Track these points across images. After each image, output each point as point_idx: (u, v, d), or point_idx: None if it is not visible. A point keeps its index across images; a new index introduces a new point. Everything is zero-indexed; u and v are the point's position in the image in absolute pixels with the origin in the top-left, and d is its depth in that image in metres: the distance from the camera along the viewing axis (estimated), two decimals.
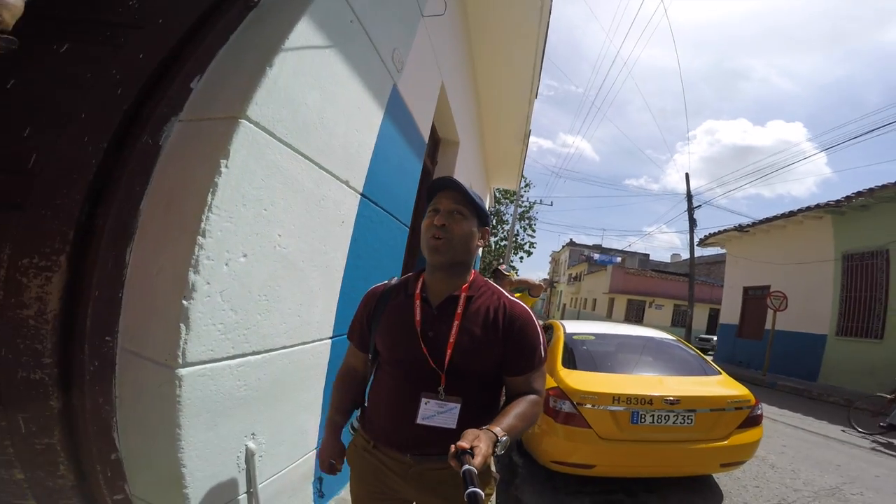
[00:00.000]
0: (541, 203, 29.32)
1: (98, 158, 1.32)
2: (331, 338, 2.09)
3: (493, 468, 1.26)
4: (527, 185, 26.66)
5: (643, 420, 3.07)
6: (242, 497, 1.53)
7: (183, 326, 1.20)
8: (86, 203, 1.28)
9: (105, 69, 1.37)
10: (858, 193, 9.22)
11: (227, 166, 1.26)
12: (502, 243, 27.59)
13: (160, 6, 1.51)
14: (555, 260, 55.94)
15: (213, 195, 1.23)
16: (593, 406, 3.06)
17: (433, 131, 4.22)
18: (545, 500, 3.24)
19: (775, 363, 11.03)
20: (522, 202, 26.47)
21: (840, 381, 9.55)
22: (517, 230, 27.74)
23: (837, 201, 9.72)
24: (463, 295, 1.22)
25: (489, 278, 3.11)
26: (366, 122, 2.18)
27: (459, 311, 1.20)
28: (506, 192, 22.85)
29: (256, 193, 1.40)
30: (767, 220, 12.19)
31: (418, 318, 1.22)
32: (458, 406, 1.17)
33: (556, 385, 3.30)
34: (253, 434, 1.53)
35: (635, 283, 28.91)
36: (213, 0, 1.56)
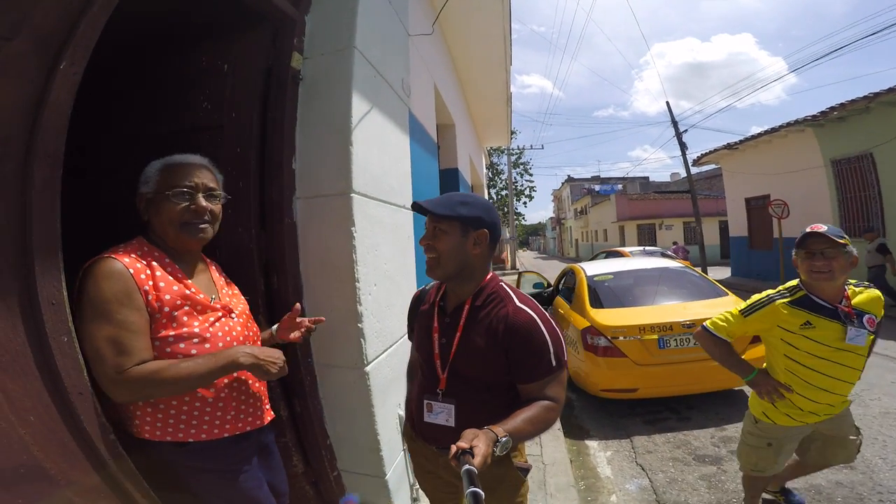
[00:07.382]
0: (531, 148, 29.34)
1: (255, 241, 1.82)
2: None
3: (520, 460, 1.29)
4: (513, 134, 26.90)
5: (668, 344, 3.66)
6: (401, 455, 2.16)
7: (362, 340, 1.81)
8: (260, 275, 1.82)
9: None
10: (832, 108, 9.42)
11: (355, 230, 1.82)
12: (503, 192, 27.92)
13: (226, 102, 1.83)
14: (557, 198, 55.28)
15: (355, 253, 1.80)
16: (625, 338, 3.67)
17: None
18: (604, 424, 3.85)
19: (790, 272, 10.67)
20: (513, 150, 26.62)
21: None
22: (514, 177, 28.01)
23: (815, 116, 9.89)
24: (467, 306, 1.27)
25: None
26: (402, 152, 2.66)
27: (462, 321, 1.26)
28: (497, 148, 23.02)
29: (371, 241, 1.97)
30: (754, 136, 12.28)
31: (436, 324, 1.32)
32: (453, 407, 1.25)
33: (589, 324, 3.90)
34: (399, 404, 2.16)
35: (641, 207, 28.70)
36: (265, 82, 1.85)
